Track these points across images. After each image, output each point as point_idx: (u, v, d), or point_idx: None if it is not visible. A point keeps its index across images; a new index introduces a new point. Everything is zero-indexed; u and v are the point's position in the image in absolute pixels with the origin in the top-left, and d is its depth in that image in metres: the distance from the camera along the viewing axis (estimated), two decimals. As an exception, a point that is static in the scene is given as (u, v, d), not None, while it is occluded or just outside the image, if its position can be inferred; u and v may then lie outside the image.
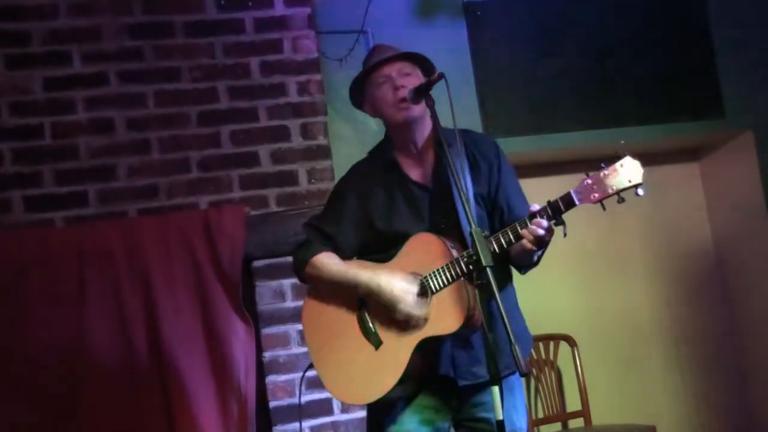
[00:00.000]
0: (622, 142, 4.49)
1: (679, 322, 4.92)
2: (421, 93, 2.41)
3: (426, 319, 2.37)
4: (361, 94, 2.61)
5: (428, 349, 2.40)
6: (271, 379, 3.47)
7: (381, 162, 2.58)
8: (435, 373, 2.43)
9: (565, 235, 2.30)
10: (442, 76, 2.34)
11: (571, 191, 2.29)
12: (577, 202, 2.27)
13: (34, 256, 3.26)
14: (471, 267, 2.29)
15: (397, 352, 2.40)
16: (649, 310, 4.90)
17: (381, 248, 2.51)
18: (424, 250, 2.41)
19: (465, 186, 2.35)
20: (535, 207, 2.30)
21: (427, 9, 4.25)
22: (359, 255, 2.58)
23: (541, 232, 2.26)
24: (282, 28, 3.74)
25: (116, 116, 3.53)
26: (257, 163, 3.64)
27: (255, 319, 3.43)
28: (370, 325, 2.46)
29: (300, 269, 2.58)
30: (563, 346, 4.51)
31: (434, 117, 2.40)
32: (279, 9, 3.74)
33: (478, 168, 2.51)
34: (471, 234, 2.20)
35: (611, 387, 4.68)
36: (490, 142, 2.61)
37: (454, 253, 2.37)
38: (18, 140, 3.43)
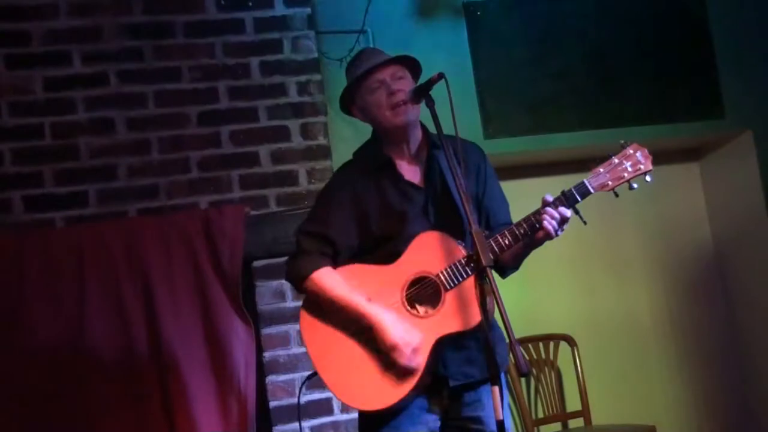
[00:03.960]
0: (622, 142, 4.49)
1: (678, 321, 4.92)
2: (421, 93, 2.40)
3: (417, 371, 2.34)
4: (349, 99, 2.57)
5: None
6: (271, 379, 3.48)
7: (374, 161, 2.54)
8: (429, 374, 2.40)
9: (585, 222, 2.37)
10: (442, 76, 2.32)
11: (585, 180, 2.38)
12: (591, 191, 2.35)
13: (34, 256, 3.27)
14: (470, 268, 2.30)
15: None
16: (649, 310, 4.90)
17: (371, 248, 2.48)
18: (433, 247, 2.39)
19: (464, 187, 2.35)
20: (549, 197, 2.34)
21: (427, 9, 4.25)
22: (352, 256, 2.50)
23: (568, 213, 2.32)
24: (282, 28, 3.74)
25: (116, 116, 3.53)
26: (257, 163, 3.64)
27: (255, 319, 3.43)
28: None
29: (297, 282, 2.49)
30: (563, 346, 4.51)
31: (434, 117, 2.37)
32: (279, 9, 3.75)
33: (467, 171, 2.50)
34: (471, 234, 2.19)
35: (611, 387, 4.67)
36: (476, 147, 2.62)
37: (463, 249, 2.37)
38: (18, 140, 3.42)
